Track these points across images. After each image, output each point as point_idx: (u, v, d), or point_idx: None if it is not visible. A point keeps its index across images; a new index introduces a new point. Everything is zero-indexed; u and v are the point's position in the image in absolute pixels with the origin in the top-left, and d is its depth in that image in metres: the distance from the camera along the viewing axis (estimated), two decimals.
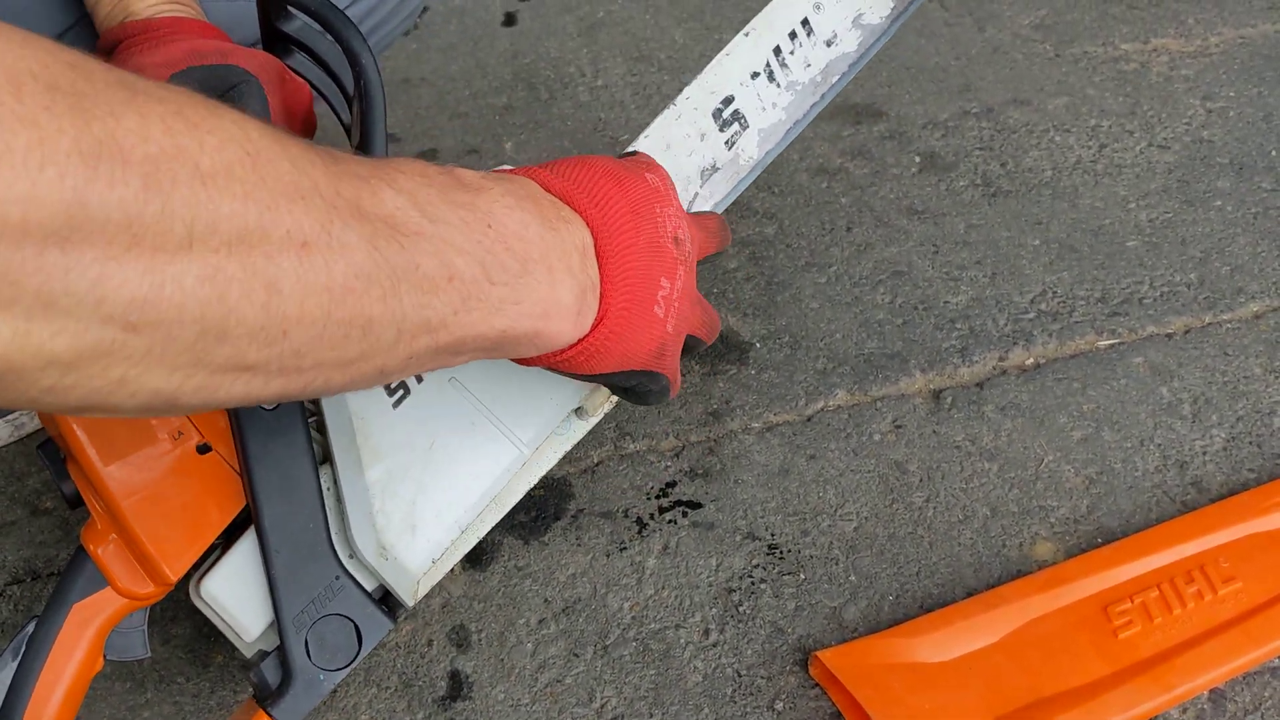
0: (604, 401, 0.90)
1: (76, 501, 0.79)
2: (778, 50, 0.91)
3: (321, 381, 0.53)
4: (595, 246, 0.65)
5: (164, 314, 0.43)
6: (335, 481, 0.80)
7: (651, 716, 0.95)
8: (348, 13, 0.86)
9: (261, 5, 0.84)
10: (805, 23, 0.92)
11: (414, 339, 0.56)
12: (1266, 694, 0.96)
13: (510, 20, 1.75)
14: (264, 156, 0.46)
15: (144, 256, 0.42)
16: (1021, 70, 1.63)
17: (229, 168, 0.44)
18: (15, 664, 0.77)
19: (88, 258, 0.40)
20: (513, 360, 0.68)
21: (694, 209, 0.92)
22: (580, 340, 0.66)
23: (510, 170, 0.67)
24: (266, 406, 0.76)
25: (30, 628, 0.78)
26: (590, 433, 1.14)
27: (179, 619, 1.02)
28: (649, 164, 0.74)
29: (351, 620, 0.79)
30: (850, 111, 1.55)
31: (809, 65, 0.92)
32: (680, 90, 0.92)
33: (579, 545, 1.07)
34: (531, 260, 0.61)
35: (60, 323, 0.41)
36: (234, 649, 0.99)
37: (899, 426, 1.17)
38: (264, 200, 0.46)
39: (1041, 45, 1.67)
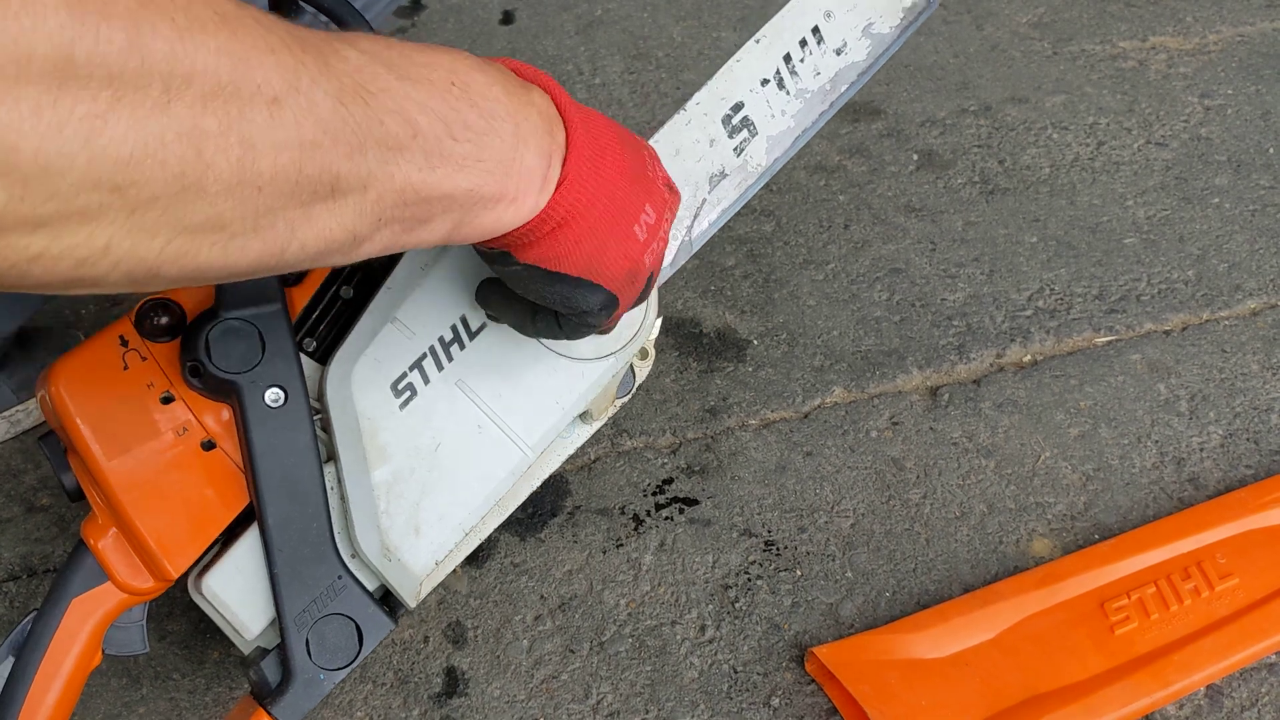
0: (609, 405, 0.90)
1: (77, 495, 0.79)
2: (788, 58, 0.91)
3: (296, 246, 0.54)
4: (565, 124, 0.65)
5: (147, 172, 0.44)
6: (339, 481, 0.80)
7: (647, 712, 0.95)
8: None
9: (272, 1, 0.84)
10: (816, 30, 0.92)
11: (381, 197, 0.56)
12: (1263, 690, 0.96)
13: (508, 18, 1.75)
14: (232, 16, 0.47)
15: (126, 112, 0.43)
16: (1019, 68, 1.62)
17: (203, 23, 0.46)
18: (13, 658, 0.77)
19: (78, 113, 0.41)
20: (483, 250, 0.68)
21: (702, 215, 0.92)
22: (541, 211, 0.65)
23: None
24: (271, 404, 0.76)
25: (29, 622, 0.77)
26: None
27: (175, 615, 1.02)
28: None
29: (353, 620, 0.79)
30: (848, 109, 1.55)
31: (819, 73, 0.92)
32: (681, 89, 0.92)
33: (575, 542, 1.07)
34: (496, 116, 0.61)
35: (54, 184, 0.42)
36: (230, 645, 0.99)
37: (896, 423, 1.17)
38: (236, 54, 0.47)
39: (1039, 43, 1.67)
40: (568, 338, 0.77)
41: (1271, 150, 1.48)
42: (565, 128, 0.65)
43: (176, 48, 0.44)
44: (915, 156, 1.48)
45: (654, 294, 0.87)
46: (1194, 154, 1.48)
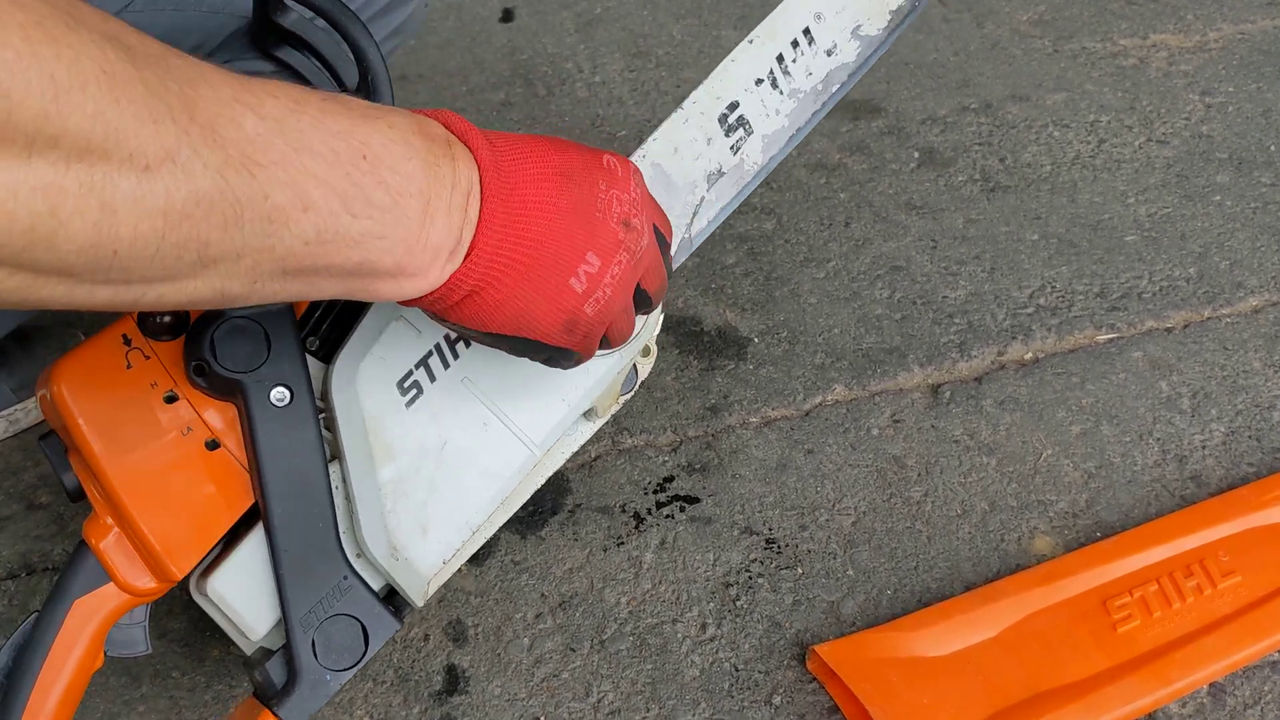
0: (614, 402, 0.90)
1: (78, 495, 0.78)
2: (780, 58, 0.92)
3: (154, 296, 0.53)
4: (481, 186, 0.63)
5: None
6: (345, 480, 0.79)
7: (649, 711, 0.95)
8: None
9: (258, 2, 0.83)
10: (807, 31, 0.93)
11: (257, 266, 0.55)
12: (1266, 688, 0.95)
13: (508, 16, 1.75)
14: (120, 78, 0.46)
15: None
16: (1020, 66, 1.62)
17: (83, 84, 0.45)
18: (14, 660, 0.76)
19: None
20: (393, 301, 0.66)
21: (701, 213, 0.92)
22: (450, 279, 0.63)
23: (423, 111, 0.65)
24: (276, 403, 0.76)
25: (30, 623, 0.77)
26: None
27: (175, 613, 1.02)
28: (613, 153, 0.71)
29: (359, 620, 0.78)
30: (849, 107, 1.54)
31: (810, 73, 0.93)
32: (681, 87, 0.93)
33: (576, 540, 1.07)
34: (406, 194, 0.59)
35: None
36: (230, 644, 0.98)
37: (897, 421, 1.17)
38: (112, 120, 0.46)
39: (1040, 41, 1.67)
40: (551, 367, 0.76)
41: (1273, 148, 1.48)
42: (482, 196, 0.63)
43: (49, 108, 0.43)
44: (916, 154, 1.48)
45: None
46: (1195, 151, 1.47)
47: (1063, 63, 1.63)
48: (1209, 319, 1.26)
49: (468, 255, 0.63)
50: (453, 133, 0.64)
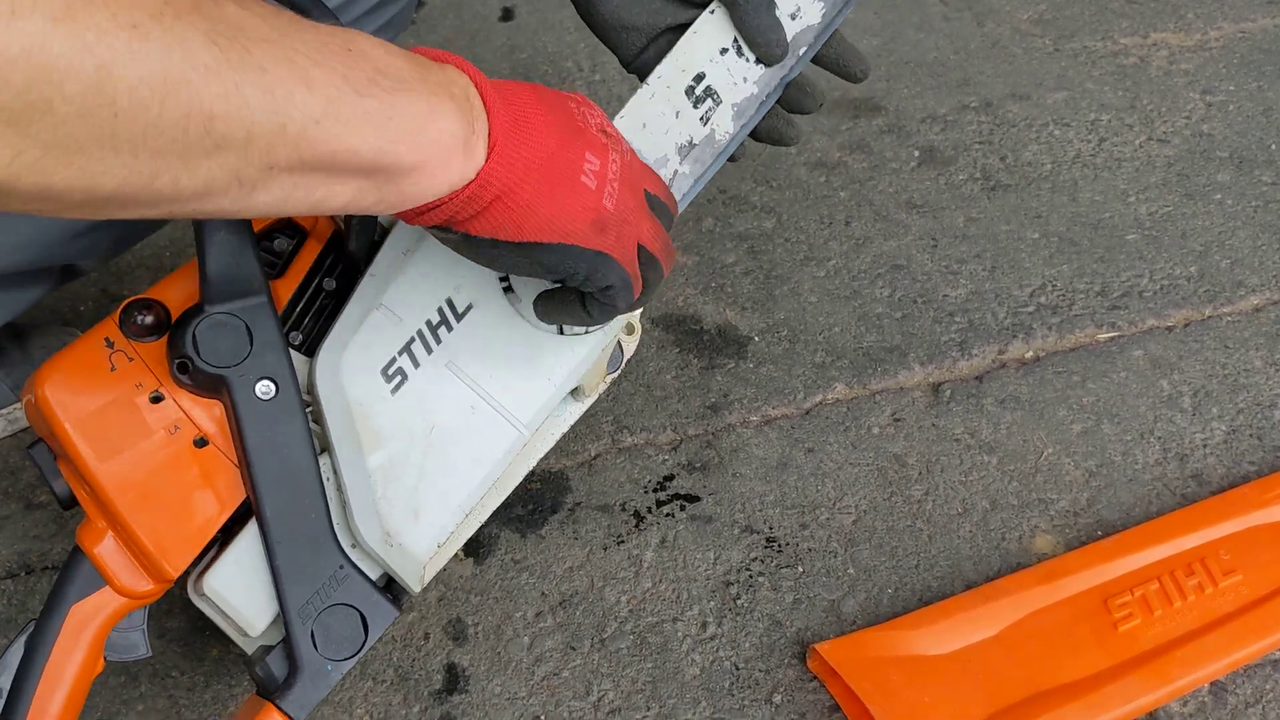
0: (600, 381, 0.89)
1: (70, 502, 0.78)
2: None
3: (168, 178, 0.52)
4: (483, 99, 0.63)
5: None
6: (335, 470, 0.79)
7: (649, 709, 0.95)
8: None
9: None
10: None
11: (271, 146, 0.54)
12: (1268, 686, 0.95)
13: (507, 15, 1.75)
14: None
15: None
16: (1020, 64, 1.62)
17: None
18: (14, 668, 0.76)
19: None
20: (418, 221, 0.66)
21: (675, 186, 0.91)
22: (475, 178, 0.63)
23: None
24: (262, 396, 0.75)
25: (28, 630, 0.77)
26: (588, 425, 1.14)
27: (173, 613, 1.01)
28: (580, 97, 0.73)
29: (357, 609, 0.78)
30: (849, 106, 1.54)
31: None
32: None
33: (576, 539, 1.07)
34: (403, 81, 0.59)
35: None
36: (229, 643, 0.98)
37: (898, 420, 1.16)
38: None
39: (1040, 39, 1.67)
40: (624, 312, 0.77)
41: (1274, 146, 1.47)
42: (482, 97, 0.63)
43: None
44: (916, 153, 1.48)
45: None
46: (1196, 150, 1.47)
47: (1063, 61, 1.63)
48: (1210, 317, 1.26)
49: (491, 150, 0.63)
50: (431, 57, 0.64)
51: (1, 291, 0.98)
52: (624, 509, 1.09)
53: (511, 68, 1.65)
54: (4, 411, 1.14)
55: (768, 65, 0.89)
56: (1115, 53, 1.64)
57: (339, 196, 0.60)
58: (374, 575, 0.81)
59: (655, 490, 1.10)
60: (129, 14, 0.47)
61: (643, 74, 0.90)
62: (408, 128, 0.59)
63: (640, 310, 0.89)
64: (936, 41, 1.66)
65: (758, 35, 0.87)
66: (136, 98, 0.48)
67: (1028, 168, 1.45)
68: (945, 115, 1.53)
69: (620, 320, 0.87)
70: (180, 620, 1.01)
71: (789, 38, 0.89)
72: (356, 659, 0.78)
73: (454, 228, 0.66)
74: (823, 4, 0.89)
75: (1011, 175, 1.44)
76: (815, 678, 0.96)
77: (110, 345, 0.76)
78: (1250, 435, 1.13)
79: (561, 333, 0.84)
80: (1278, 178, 1.43)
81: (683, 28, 0.89)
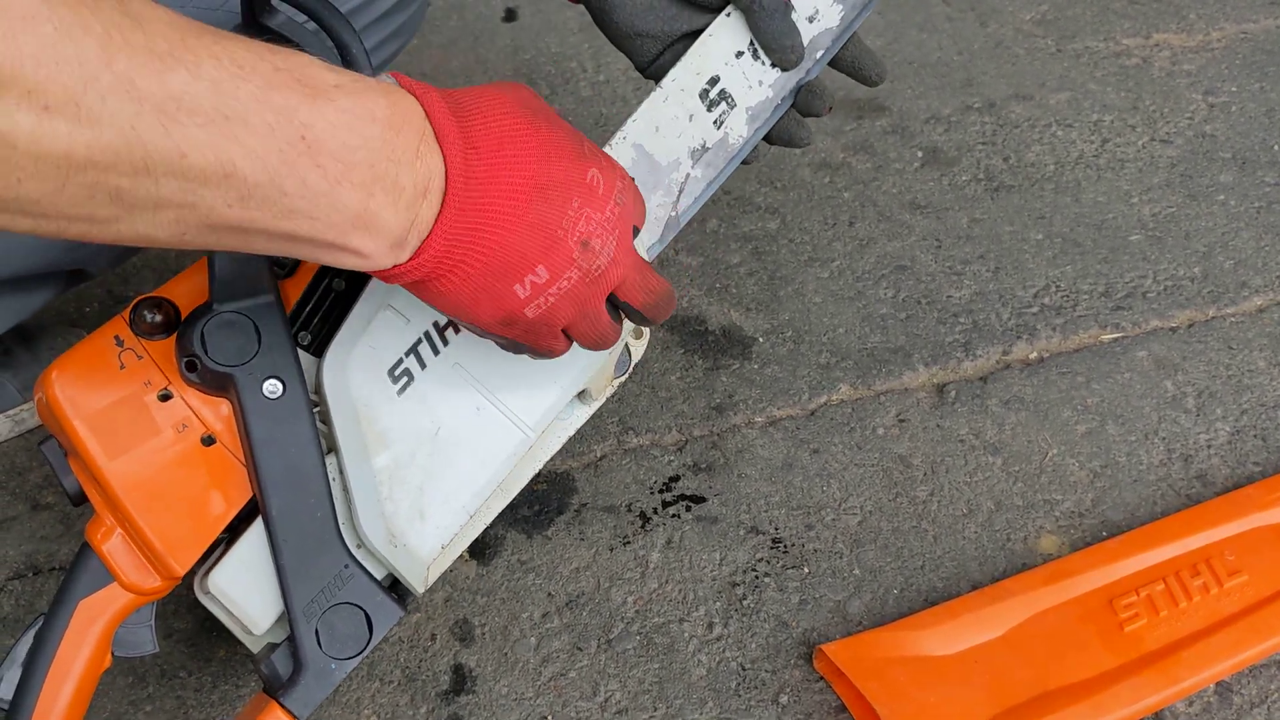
0: (607, 384, 0.89)
1: (80, 499, 0.79)
2: None
3: (76, 231, 0.53)
4: (445, 191, 0.62)
5: None
6: (341, 470, 0.79)
7: (655, 710, 0.95)
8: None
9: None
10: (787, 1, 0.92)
11: (181, 219, 0.55)
12: (1273, 687, 0.95)
13: (511, 15, 1.75)
14: (18, 13, 0.46)
15: None
16: (1023, 65, 1.62)
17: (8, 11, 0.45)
18: (22, 663, 0.76)
19: None
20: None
21: (687, 190, 0.91)
22: (395, 267, 0.63)
23: (405, 80, 0.64)
24: (269, 395, 0.76)
25: (36, 626, 0.77)
26: (593, 426, 1.14)
27: (180, 613, 1.01)
28: (605, 162, 0.70)
29: (362, 609, 0.78)
30: (853, 106, 1.54)
31: None
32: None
33: (582, 539, 1.07)
34: (345, 182, 0.58)
35: None
36: (236, 643, 0.99)
37: (902, 420, 1.17)
38: (9, 55, 0.46)
39: (1043, 40, 1.67)
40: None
41: (1276, 147, 1.48)
42: (444, 197, 0.62)
43: None
44: (920, 153, 1.48)
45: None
46: (1199, 151, 1.47)
47: (1066, 62, 1.63)
48: (1214, 318, 1.26)
49: (415, 254, 0.63)
50: (433, 125, 0.62)
51: (10, 295, 0.98)
52: (630, 510, 1.09)
53: (515, 69, 1.65)
54: (11, 412, 1.14)
55: (784, 70, 0.89)
56: (1118, 53, 1.64)
57: (263, 251, 0.61)
58: (379, 575, 0.81)
59: (661, 491, 1.11)
60: (41, 96, 0.47)
61: (658, 79, 0.90)
62: (327, 228, 0.59)
63: None
64: (940, 42, 1.67)
65: (773, 40, 0.86)
66: (40, 172, 0.49)
67: (1031, 168, 1.45)
68: (949, 116, 1.53)
69: (628, 325, 0.87)
70: (187, 620, 1.01)
71: (806, 41, 0.89)
72: (361, 658, 0.78)
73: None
74: (841, 6, 0.89)
75: (1015, 176, 1.44)
76: (821, 678, 0.96)
77: (120, 343, 0.77)
78: (1255, 436, 1.14)
79: None
80: None
81: (698, 33, 0.89)
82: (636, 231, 0.73)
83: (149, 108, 0.51)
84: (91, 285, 1.30)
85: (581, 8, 0.92)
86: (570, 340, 0.74)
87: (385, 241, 0.61)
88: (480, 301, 0.67)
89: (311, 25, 0.82)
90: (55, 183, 0.50)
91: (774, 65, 0.89)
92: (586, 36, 1.68)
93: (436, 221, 0.62)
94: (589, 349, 0.76)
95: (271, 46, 0.57)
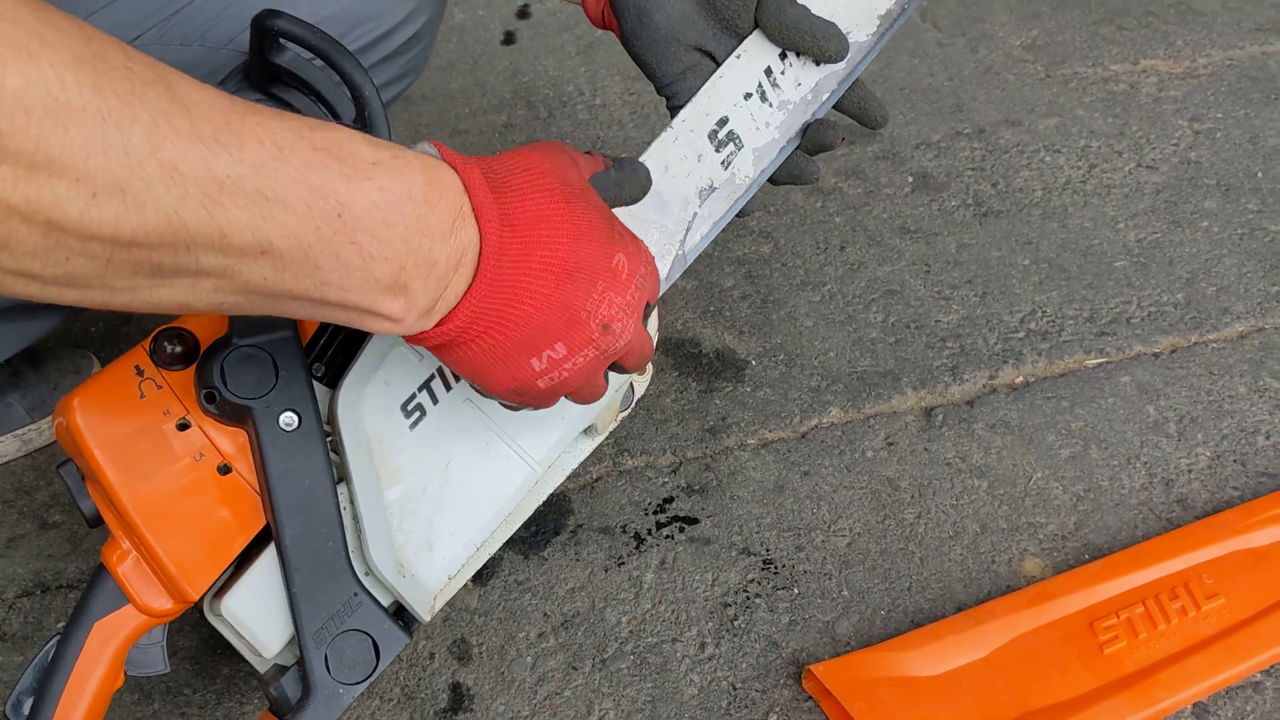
0: (612, 420, 0.92)
1: (96, 521, 0.81)
2: (769, 71, 0.93)
3: (121, 302, 0.56)
4: (477, 266, 0.64)
5: None
6: (352, 500, 0.82)
7: None
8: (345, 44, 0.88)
9: (254, 37, 0.85)
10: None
11: (218, 290, 0.57)
12: (1249, 708, 0.98)
13: (509, 39, 1.77)
14: (73, 106, 0.48)
15: None
16: (1013, 91, 1.65)
17: (28, 109, 0.47)
18: (38, 681, 0.79)
19: None
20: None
21: (694, 229, 0.94)
22: (420, 335, 0.66)
23: (446, 152, 0.65)
24: (285, 428, 0.78)
25: (52, 645, 0.79)
26: None
27: (185, 631, 1.04)
28: (631, 246, 0.71)
29: (369, 635, 0.81)
30: (845, 131, 1.57)
31: (800, 84, 0.94)
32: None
33: (578, 560, 1.09)
34: (379, 259, 0.60)
35: None
36: (240, 661, 1.01)
37: (891, 444, 1.19)
38: (58, 145, 0.48)
39: (1033, 66, 1.70)
40: None
41: (1260, 174, 1.51)
42: (477, 271, 0.64)
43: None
44: (910, 179, 1.51)
45: (654, 310, 0.89)
46: (1184, 177, 1.50)
47: (1055, 88, 1.66)
48: (1196, 344, 1.29)
49: (441, 322, 0.65)
50: (471, 200, 0.64)
51: (19, 321, 1.00)
52: (625, 531, 1.12)
53: (513, 91, 1.68)
54: (19, 432, 1.17)
55: (834, 63, 0.91)
56: (1106, 79, 1.67)
57: (296, 315, 0.63)
58: (385, 602, 0.83)
59: (655, 512, 1.13)
60: (93, 183, 0.49)
61: (675, 99, 0.92)
62: (360, 298, 0.61)
63: (653, 352, 0.92)
64: (931, 67, 1.69)
65: (808, 38, 0.89)
66: (88, 251, 0.51)
67: (1019, 194, 1.48)
68: (939, 141, 1.56)
69: None
70: (192, 639, 1.03)
71: (814, 83, 0.92)
72: (367, 683, 0.81)
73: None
74: (849, 50, 0.93)
75: (1003, 201, 1.47)
76: (810, 698, 0.99)
77: (140, 373, 0.79)
78: (1234, 461, 1.16)
79: None
80: (1263, 205, 1.46)
81: (719, 60, 0.91)
82: (649, 309, 0.75)
83: (193, 191, 0.53)
84: None
85: (580, 33, 0.94)
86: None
87: (414, 311, 0.64)
88: (496, 370, 0.69)
89: (318, 62, 0.84)
90: (101, 261, 0.52)
91: (819, 63, 0.91)
92: (584, 60, 1.71)
93: (466, 294, 0.64)
94: (578, 404, 0.79)
95: (312, 122, 0.59)
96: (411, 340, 0.67)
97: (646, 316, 0.75)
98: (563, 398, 0.75)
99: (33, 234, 0.49)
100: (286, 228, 0.56)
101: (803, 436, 1.20)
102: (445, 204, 0.62)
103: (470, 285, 0.64)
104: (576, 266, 0.67)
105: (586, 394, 0.75)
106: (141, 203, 0.51)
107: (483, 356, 0.68)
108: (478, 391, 0.75)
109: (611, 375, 0.89)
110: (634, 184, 0.77)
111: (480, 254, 0.64)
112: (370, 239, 0.59)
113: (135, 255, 0.53)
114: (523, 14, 1.85)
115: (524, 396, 0.72)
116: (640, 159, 0.93)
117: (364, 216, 0.59)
